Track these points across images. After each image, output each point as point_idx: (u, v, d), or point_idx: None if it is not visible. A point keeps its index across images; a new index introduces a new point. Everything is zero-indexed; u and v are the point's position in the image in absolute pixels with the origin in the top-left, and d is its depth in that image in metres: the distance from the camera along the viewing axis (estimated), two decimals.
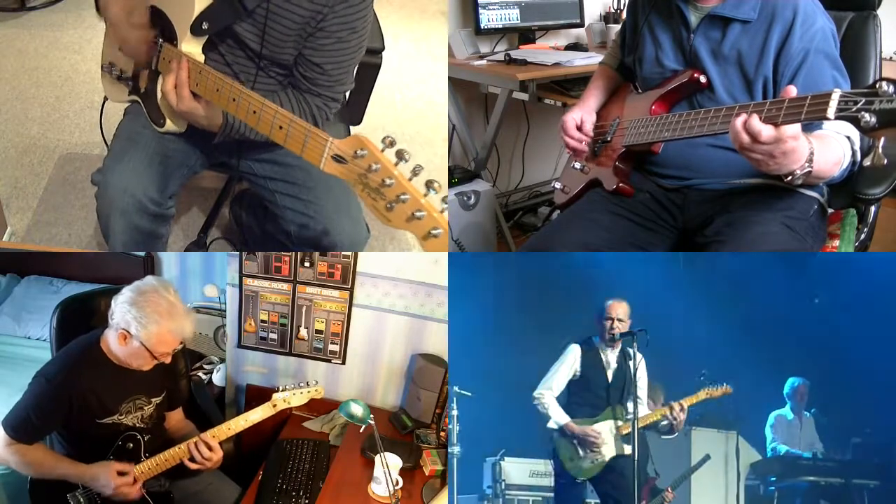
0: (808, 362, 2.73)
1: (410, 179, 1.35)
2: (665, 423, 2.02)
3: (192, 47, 1.80)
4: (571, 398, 2.06)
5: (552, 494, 2.36)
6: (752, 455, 2.65)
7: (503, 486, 2.41)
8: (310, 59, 1.83)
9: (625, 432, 2.02)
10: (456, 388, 2.19)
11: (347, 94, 2.22)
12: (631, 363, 2.06)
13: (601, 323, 2.09)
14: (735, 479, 2.52)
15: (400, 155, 1.36)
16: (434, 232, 1.34)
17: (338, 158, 1.42)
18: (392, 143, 1.36)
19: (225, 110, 1.76)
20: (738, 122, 1.39)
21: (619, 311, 2.07)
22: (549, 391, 2.05)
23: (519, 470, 2.41)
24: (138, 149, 1.94)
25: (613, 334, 2.05)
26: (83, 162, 2.97)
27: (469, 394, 2.17)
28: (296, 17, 1.77)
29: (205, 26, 1.77)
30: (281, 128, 1.56)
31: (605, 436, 2.02)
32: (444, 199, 1.34)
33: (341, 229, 1.99)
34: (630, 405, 2.04)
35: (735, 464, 2.53)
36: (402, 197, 1.34)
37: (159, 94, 1.87)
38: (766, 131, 1.36)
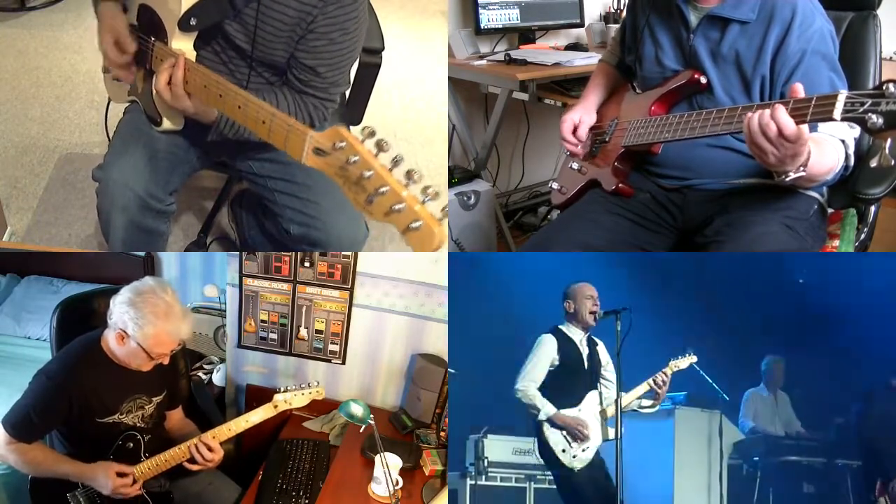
0: (792, 342, 2.74)
1: (391, 170, 1.31)
2: (651, 393, 2.02)
3: (182, 44, 1.80)
4: (552, 388, 2.02)
5: (535, 472, 2.37)
6: (736, 434, 2.65)
7: (486, 464, 2.40)
8: (303, 61, 1.83)
9: (609, 415, 2.00)
10: None
11: (347, 93, 2.23)
12: (597, 348, 2.06)
13: (580, 304, 2.04)
14: (718, 458, 2.52)
15: (380, 146, 1.32)
16: (413, 225, 1.28)
17: (318, 151, 1.40)
18: (372, 134, 1.33)
19: (213, 107, 1.76)
20: (766, 113, 1.37)
21: (592, 290, 2.05)
22: (533, 383, 2.01)
23: (502, 447, 2.40)
24: (139, 145, 1.95)
25: (596, 312, 2.02)
26: (83, 162, 2.97)
27: (453, 371, 2.17)
28: (285, 19, 1.77)
29: (192, 22, 1.77)
30: (263, 122, 1.55)
31: (591, 422, 1.99)
32: (425, 190, 1.29)
33: (340, 228, 1.99)
34: (603, 390, 2.05)
35: (718, 443, 2.53)
36: (382, 189, 1.29)
37: (154, 93, 1.87)
38: (792, 126, 1.35)
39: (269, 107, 1.55)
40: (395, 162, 1.30)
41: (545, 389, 2.01)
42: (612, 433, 1.98)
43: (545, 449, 2.00)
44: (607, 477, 1.96)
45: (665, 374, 2.03)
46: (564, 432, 1.98)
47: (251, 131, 1.78)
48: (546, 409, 1.98)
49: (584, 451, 1.97)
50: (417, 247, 1.31)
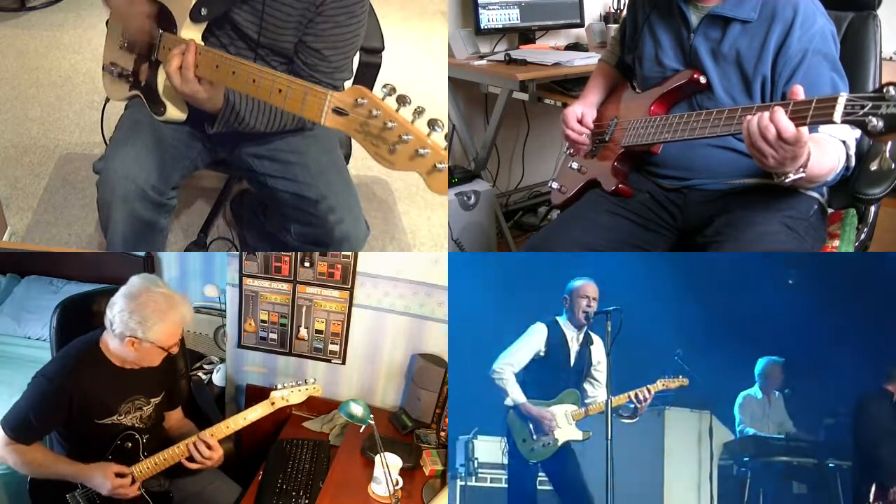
0: (783, 343, 2.74)
1: (413, 122, 1.38)
2: (631, 405, 2.02)
3: (192, 34, 1.81)
4: (530, 377, 2.03)
5: None
6: (726, 435, 2.66)
7: (476, 465, 2.39)
8: (310, 45, 1.86)
9: (578, 418, 2.01)
10: None
11: (349, 83, 2.23)
12: (591, 346, 2.06)
13: (574, 302, 2.06)
14: (708, 458, 2.52)
15: (401, 100, 1.39)
16: (439, 166, 1.37)
17: (338, 111, 1.43)
18: (393, 91, 1.39)
19: (226, 86, 1.78)
20: (766, 115, 1.38)
21: (591, 290, 2.05)
22: (510, 367, 2.02)
23: (492, 449, 2.40)
24: (140, 137, 1.95)
25: (588, 313, 2.03)
26: (83, 162, 2.97)
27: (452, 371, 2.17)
28: (294, 3, 1.80)
29: (203, 12, 1.79)
30: (280, 91, 1.57)
31: (560, 420, 2.00)
32: (445, 137, 1.39)
33: (341, 226, 1.99)
34: (588, 388, 2.07)
35: (708, 443, 2.53)
36: (405, 137, 1.37)
37: (160, 82, 1.88)
38: (791, 129, 1.35)
39: (284, 75, 1.58)
40: (418, 113, 1.38)
41: (524, 376, 2.03)
42: (579, 434, 2.01)
43: (508, 436, 2.04)
44: (574, 477, 1.97)
45: (649, 390, 2.03)
46: (531, 423, 1.99)
47: (257, 120, 1.79)
48: (515, 395, 2.00)
49: (543, 446, 1.98)
50: (437, 187, 1.41)
